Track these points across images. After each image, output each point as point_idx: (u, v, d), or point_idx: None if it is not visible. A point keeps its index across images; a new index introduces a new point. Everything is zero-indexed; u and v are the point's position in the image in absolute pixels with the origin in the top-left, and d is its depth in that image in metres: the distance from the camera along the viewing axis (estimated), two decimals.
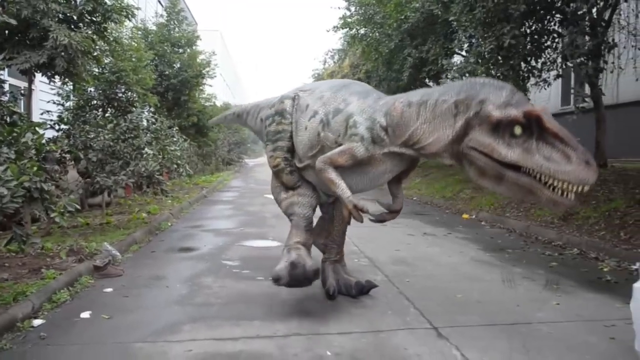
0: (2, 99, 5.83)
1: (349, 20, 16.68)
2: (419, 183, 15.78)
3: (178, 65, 16.68)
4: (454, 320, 3.96)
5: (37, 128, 4.48)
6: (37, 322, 3.99)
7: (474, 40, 9.03)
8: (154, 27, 17.29)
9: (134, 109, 9.92)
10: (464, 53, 11.94)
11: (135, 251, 6.77)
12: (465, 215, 10.30)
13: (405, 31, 13.04)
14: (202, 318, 4.06)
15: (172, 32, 17.13)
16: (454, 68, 11.14)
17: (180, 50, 17.11)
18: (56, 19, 6.81)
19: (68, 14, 7.02)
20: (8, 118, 4.95)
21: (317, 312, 4.19)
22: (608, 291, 4.81)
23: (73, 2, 7.18)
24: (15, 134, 3.91)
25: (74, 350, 3.47)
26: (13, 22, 5.61)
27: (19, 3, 6.08)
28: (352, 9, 16.46)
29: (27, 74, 7.15)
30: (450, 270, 5.68)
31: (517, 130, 3.14)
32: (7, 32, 6.41)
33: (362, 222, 3.97)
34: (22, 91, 7.55)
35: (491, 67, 9.12)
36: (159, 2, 25.72)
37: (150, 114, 10.11)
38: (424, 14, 11.90)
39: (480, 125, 3.30)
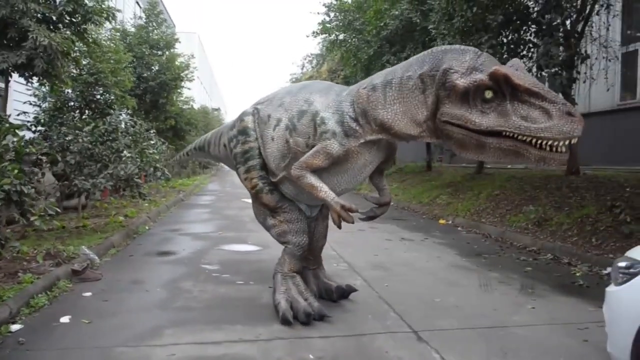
0: None
1: (328, 25, 16.77)
2: (395, 188, 15.90)
3: (156, 68, 16.57)
4: (433, 324, 4.04)
5: (16, 130, 4.44)
6: (15, 327, 3.94)
7: None
8: (132, 29, 17.14)
9: (112, 111, 9.83)
10: None
11: (113, 255, 6.71)
12: (441, 221, 10.44)
13: (384, 38, 13.18)
14: (184, 322, 4.06)
15: (150, 34, 17.01)
16: None
17: (159, 53, 16.99)
18: (35, 19, 6.72)
19: (47, 14, 6.94)
20: None
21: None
22: (581, 295, 4.95)
23: (53, 3, 7.10)
24: None
25: (54, 355, 3.44)
26: None
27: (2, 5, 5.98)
28: (332, 14, 16.57)
29: (4, 75, 7.03)
30: (428, 275, 5.77)
31: (488, 94, 2.97)
32: None
33: (352, 222, 3.74)
34: None
35: None
36: (137, 3, 25.50)
37: (129, 117, 10.01)
38: (403, 21, 12.05)
39: (448, 97, 3.12)
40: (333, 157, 3.72)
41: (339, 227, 3.76)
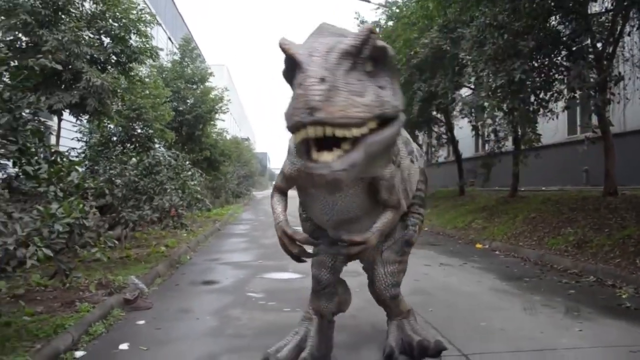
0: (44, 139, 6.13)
1: None
2: (429, 214, 15.91)
3: (192, 101, 17.12)
4: (482, 347, 4.09)
5: (77, 167, 4.72)
6: (78, 353, 4.13)
7: (483, 75, 9.31)
8: (168, 64, 17.79)
9: (152, 144, 10.22)
10: (472, 86, 12.26)
11: (159, 284, 6.92)
12: (478, 245, 10.43)
13: (414, 66, 13.40)
14: (237, 349, 4.20)
15: (185, 69, 17.63)
16: (464, 101, 11.43)
17: (194, 87, 17.57)
18: (85, 61, 7.13)
19: (96, 56, 7.36)
20: (49, 157, 5.18)
21: (348, 342, 4.31)
22: (629, 317, 4.93)
23: (102, 45, 7.53)
24: (62, 173, 4.14)
25: None
26: (59, 67, 5.92)
27: (57, 48, 6.42)
28: None
29: (57, 114, 7.45)
30: (471, 299, 5.81)
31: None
32: (44, 75, 6.73)
33: (297, 255, 3.21)
34: (52, 130, 7.86)
35: (501, 100, 9.38)
36: (170, 39, 26.40)
37: (171, 150, 10.38)
38: (433, 49, 12.25)
39: None
40: (287, 177, 3.29)
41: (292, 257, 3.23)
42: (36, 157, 4.82)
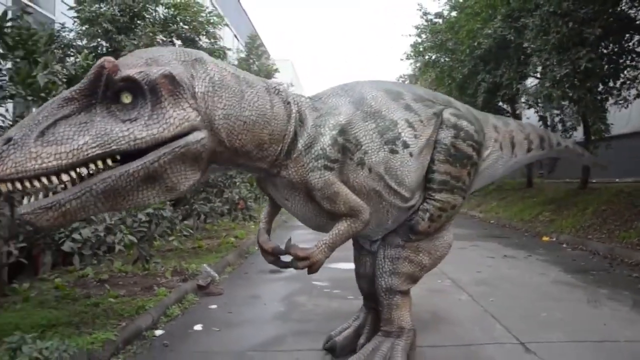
0: None
1: (420, 48, 17.03)
2: (495, 206, 15.71)
3: None
4: (540, 336, 4.15)
5: None
6: (158, 332, 4.54)
7: (548, 63, 9.11)
8: (235, 62, 18.41)
9: None
10: (539, 75, 11.99)
11: (230, 272, 7.33)
12: (545, 238, 10.26)
13: (478, 57, 13.23)
14: (303, 332, 4.46)
15: (251, 66, 18.17)
16: (528, 91, 11.22)
17: None
18: None
19: None
20: None
21: None
22: None
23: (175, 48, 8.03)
24: None
25: (193, 356, 3.96)
26: None
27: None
28: (423, 36, 16.82)
29: None
30: (533, 290, 5.82)
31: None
32: None
33: (270, 262, 3.35)
34: None
35: (567, 90, 9.16)
36: (235, 37, 27.14)
37: None
38: (497, 39, 12.06)
39: None
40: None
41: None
42: None
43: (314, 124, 2.92)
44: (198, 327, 4.70)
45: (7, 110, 4.29)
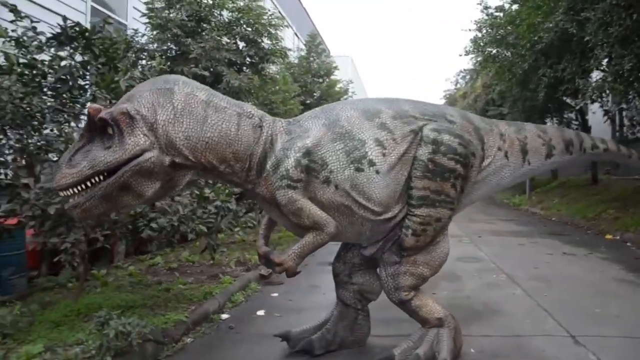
0: None
1: (481, 43, 16.82)
2: (557, 203, 15.37)
3: (318, 94, 17.99)
4: (592, 331, 4.22)
5: None
6: (224, 316, 4.94)
7: (611, 57, 8.88)
8: (295, 60, 18.83)
9: None
10: (603, 68, 11.67)
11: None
12: (608, 236, 10.02)
13: (539, 51, 12.97)
14: None
15: (311, 64, 18.54)
16: (592, 86, 10.93)
17: (320, 80, 18.44)
18: (224, 64, 8.07)
19: (233, 59, 8.28)
20: None
21: (458, 319, 4.57)
22: None
23: (238, 49, 8.45)
24: None
25: (258, 338, 4.29)
26: (206, 74, 6.87)
27: (201, 55, 7.40)
28: (484, 30, 16.61)
29: None
30: (589, 287, 5.82)
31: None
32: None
33: (263, 264, 3.76)
34: None
35: (630, 84, 8.90)
36: (296, 34, 27.59)
37: None
38: (558, 33, 11.80)
39: None
40: None
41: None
42: None
43: (282, 147, 3.25)
44: (261, 312, 5.05)
45: None
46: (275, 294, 5.78)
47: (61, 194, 2.96)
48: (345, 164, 3.28)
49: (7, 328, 3.81)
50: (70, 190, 2.88)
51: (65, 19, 4.36)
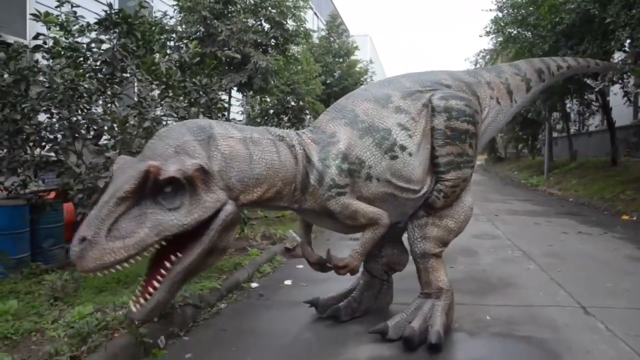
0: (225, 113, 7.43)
1: (502, 24, 16.73)
2: (575, 184, 15.45)
3: (338, 74, 18.17)
4: (602, 303, 4.47)
5: None
6: (254, 284, 5.28)
7: (633, 39, 8.90)
8: (316, 41, 18.99)
9: (304, 116, 11.34)
10: (625, 50, 11.65)
11: (313, 238, 7.89)
12: (625, 217, 10.17)
13: (560, 32, 12.95)
14: None
15: (332, 44, 18.69)
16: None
17: (340, 60, 18.60)
18: (250, 45, 8.33)
19: (259, 40, 8.53)
20: None
21: (475, 290, 4.92)
22: None
23: (264, 31, 8.69)
24: None
25: (287, 305, 4.61)
26: (238, 56, 7.14)
27: (229, 37, 7.67)
28: (504, 11, 16.50)
29: (228, 91, 8.79)
30: (602, 263, 6.04)
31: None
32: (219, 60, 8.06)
33: (317, 270, 3.99)
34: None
35: None
36: (315, 14, 27.59)
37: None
38: (580, 14, 11.78)
39: None
40: None
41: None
42: None
43: (319, 158, 3.27)
44: (288, 282, 5.38)
45: (134, 92, 5.08)
46: (300, 266, 6.09)
47: (97, 274, 2.36)
48: (380, 156, 3.41)
49: (57, 292, 4.16)
50: (118, 266, 2.38)
51: (110, 5, 4.64)
